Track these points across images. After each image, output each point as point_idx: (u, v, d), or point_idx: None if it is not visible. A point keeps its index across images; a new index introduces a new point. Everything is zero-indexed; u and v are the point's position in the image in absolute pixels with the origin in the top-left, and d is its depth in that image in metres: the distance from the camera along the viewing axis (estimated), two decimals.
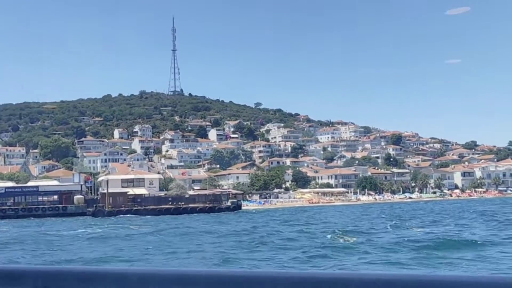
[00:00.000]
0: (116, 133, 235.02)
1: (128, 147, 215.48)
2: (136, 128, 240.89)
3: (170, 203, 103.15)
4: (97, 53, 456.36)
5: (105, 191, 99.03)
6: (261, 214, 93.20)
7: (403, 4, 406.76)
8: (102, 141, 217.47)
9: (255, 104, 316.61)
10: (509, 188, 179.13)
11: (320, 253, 30.27)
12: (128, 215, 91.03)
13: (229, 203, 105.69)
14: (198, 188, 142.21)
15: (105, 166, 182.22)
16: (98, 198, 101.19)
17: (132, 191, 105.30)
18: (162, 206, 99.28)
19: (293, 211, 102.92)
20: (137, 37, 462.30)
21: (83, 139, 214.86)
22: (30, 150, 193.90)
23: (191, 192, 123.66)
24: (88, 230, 57.04)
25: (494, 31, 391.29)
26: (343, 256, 29.13)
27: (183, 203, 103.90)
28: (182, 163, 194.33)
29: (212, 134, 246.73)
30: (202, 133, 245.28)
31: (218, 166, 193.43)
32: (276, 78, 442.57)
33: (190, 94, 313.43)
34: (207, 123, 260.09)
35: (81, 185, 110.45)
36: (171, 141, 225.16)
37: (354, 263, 26.15)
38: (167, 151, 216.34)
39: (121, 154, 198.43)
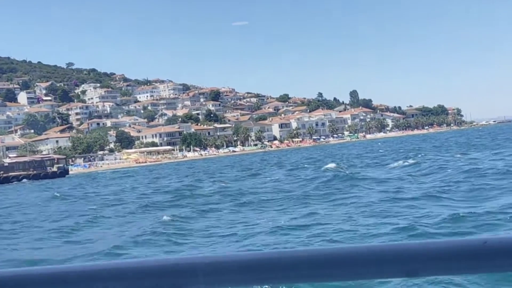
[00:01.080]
0: None
1: None
2: None
3: None
4: None
5: None
6: (92, 178, 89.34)
7: None
8: None
9: (66, 64, 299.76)
10: (322, 137, 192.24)
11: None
12: None
13: (55, 169, 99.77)
14: (15, 155, 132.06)
15: None
16: None
17: None
18: None
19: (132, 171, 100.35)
20: None
21: None
22: None
23: (7, 160, 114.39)
24: None
25: None
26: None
27: (1, 172, 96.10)
28: None
29: (22, 97, 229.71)
30: (11, 97, 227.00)
31: (32, 131, 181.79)
32: (88, 36, 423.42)
33: None
34: (15, 86, 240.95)
35: None
36: None
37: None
38: None
39: None
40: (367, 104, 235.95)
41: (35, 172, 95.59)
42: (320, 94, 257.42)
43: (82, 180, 79.73)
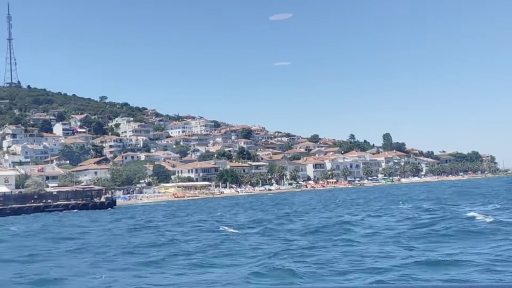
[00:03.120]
0: None
1: None
2: None
3: (37, 201, 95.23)
4: None
5: None
6: (145, 209, 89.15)
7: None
8: None
9: (100, 97, 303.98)
10: (357, 178, 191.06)
11: None
12: None
13: (103, 199, 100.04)
14: (56, 184, 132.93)
15: None
16: None
17: None
18: (31, 204, 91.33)
19: (172, 205, 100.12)
20: None
21: None
22: None
23: (48, 189, 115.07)
24: None
25: (317, 34, 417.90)
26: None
27: (50, 200, 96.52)
28: (28, 159, 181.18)
29: (58, 128, 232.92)
30: (47, 128, 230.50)
31: (67, 162, 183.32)
32: (121, 71, 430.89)
33: (28, 87, 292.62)
34: (51, 117, 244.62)
35: None
36: (13, 136, 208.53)
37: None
38: (9, 146, 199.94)
39: None
40: (400, 147, 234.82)
41: (83, 201, 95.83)
42: (352, 136, 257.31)
43: (139, 211, 79.67)
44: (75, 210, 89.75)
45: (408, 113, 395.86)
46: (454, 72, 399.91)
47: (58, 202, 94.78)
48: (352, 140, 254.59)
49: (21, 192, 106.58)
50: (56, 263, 25.79)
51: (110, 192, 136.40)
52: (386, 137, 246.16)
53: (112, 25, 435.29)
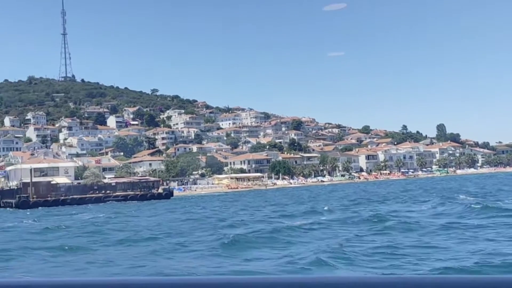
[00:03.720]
0: (7, 121, 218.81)
1: (21, 135, 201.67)
2: (29, 116, 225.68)
3: (96, 191, 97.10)
4: None
5: (28, 180, 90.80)
6: (200, 200, 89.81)
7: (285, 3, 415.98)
8: None
9: (151, 90, 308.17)
10: (410, 170, 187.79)
11: None
12: (59, 206, 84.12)
13: (160, 190, 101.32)
14: (112, 176, 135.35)
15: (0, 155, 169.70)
16: (18, 188, 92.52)
17: (54, 180, 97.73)
18: (92, 195, 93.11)
19: (234, 196, 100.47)
20: (23, 19, 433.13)
21: None
22: None
23: (105, 181, 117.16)
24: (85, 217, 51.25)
25: (371, 24, 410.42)
26: None
27: (109, 191, 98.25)
28: (84, 151, 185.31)
29: (111, 121, 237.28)
30: (101, 120, 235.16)
31: (122, 153, 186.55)
32: (172, 64, 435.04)
33: (82, 80, 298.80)
34: (105, 110, 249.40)
35: None
36: (69, 128, 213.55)
37: None
38: (65, 139, 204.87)
39: (16, 143, 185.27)
40: (454, 138, 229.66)
41: (142, 192, 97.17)
42: (404, 127, 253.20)
43: (205, 201, 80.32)
44: (135, 201, 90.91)
45: (462, 103, 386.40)
46: (509, 61, 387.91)
47: (117, 193, 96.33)
48: (405, 131, 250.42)
49: (79, 183, 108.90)
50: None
51: (165, 183, 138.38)
52: (440, 127, 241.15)
53: (161, 19, 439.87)
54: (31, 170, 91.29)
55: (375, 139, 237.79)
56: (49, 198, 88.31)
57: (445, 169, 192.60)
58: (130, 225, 41.15)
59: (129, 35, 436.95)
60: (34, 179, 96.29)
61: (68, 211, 68.27)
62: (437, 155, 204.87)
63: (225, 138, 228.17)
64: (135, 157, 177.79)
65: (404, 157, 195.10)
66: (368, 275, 14.02)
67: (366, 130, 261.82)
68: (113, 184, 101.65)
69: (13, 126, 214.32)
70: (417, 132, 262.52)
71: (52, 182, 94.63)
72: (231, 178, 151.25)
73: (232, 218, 43.38)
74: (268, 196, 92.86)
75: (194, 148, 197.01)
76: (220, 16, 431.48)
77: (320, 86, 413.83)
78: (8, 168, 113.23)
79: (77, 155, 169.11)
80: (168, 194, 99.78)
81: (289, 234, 29.03)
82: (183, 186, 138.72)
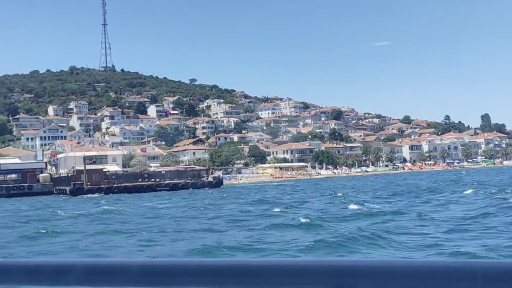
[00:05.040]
0: (51, 110, 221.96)
1: (65, 124, 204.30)
2: (72, 105, 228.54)
3: (145, 179, 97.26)
4: (23, 27, 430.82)
5: (80, 168, 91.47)
6: (251, 189, 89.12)
7: None
8: (38, 118, 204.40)
9: (190, 80, 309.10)
10: (455, 161, 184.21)
11: None
12: (110, 194, 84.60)
13: (210, 179, 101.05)
14: (158, 164, 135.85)
15: (45, 144, 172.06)
16: (71, 175, 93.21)
17: (105, 167, 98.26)
18: (143, 183, 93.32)
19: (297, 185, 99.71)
20: (64, 10, 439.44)
21: (18, 116, 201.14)
22: None
23: (151, 169, 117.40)
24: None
25: (418, 13, 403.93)
26: None
27: (158, 179, 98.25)
28: (127, 140, 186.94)
29: (152, 110, 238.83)
30: (142, 110, 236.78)
31: (163, 142, 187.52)
32: (210, 53, 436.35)
33: (122, 70, 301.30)
34: (145, 100, 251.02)
35: (46, 163, 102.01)
36: (111, 117, 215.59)
37: None
38: (107, 128, 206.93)
39: (61, 132, 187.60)
40: (500, 129, 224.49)
41: (192, 181, 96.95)
42: (447, 117, 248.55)
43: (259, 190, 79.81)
44: (190, 189, 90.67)
45: (507, 94, 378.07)
46: None
47: (168, 181, 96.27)
48: (447, 121, 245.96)
49: (126, 171, 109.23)
50: None
51: (210, 172, 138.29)
52: (485, 118, 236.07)
53: (198, 9, 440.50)
54: (84, 158, 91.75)
55: (417, 129, 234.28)
56: (102, 186, 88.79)
57: (492, 160, 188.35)
58: None
59: (166, 25, 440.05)
60: (83, 167, 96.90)
61: (139, 198, 68.61)
62: (483, 146, 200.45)
63: (264, 127, 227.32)
64: (176, 146, 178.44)
65: (449, 148, 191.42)
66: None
67: (407, 120, 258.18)
68: (163, 172, 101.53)
69: (56, 115, 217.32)
70: (459, 122, 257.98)
71: (104, 170, 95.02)
72: (275, 167, 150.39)
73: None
74: (346, 185, 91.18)
75: (235, 137, 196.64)
76: (257, 7, 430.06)
77: (360, 76, 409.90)
78: (59, 156, 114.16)
79: (121, 143, 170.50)
80: (218, 183, 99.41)
81: None
82: (227, 175, 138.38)
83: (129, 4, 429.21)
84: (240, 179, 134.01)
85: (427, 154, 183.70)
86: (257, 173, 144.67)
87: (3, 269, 1.55)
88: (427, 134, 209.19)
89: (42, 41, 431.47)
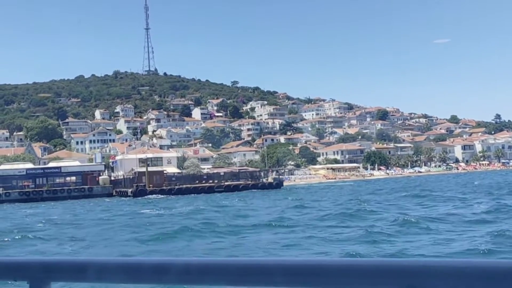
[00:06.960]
0: (98, 114, 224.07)
1: (112, 127, 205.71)
2: (118, 109, 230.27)
3: (202, 181, 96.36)
4: (68, 32, 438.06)
5: (139, 170, 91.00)
6: (310, 190, 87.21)
7: None
8: (86, 121, 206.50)
9: (231, 82, 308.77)
10: (511, 160, 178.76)
11: None
12: (174, 195, 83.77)
13: (271, 180, 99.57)
14: (209, 166, 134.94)
15: (94, 147, 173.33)
16: (132, 177, 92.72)
17: (164, 169, 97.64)
18: (204, 185, 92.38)
19: (349, 187, 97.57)
20: (108, 15, 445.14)
21: (67, 120, 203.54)
22: (15, 132, 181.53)
23: (204, 171, 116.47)
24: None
25: (477, 10, 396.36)
26: None
27: (217, 181, 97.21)
28: (175, 142, 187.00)
29: (196, 113, 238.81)
30: (186, 112, 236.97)
31: (210, 144, 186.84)
32: (251, 55, 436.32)
33: (165, 73, 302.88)
34: (189, 102, 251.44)
35: (104, 165, 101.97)
36: (157, 120, 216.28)
37: None
38: (154, 131, 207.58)
39: (110, 135, 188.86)
40: None
41: (252, 182, 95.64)
42: (498, 116, 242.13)
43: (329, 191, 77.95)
44: (254, 190, 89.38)
45: None
46: None
47: (228, 183, 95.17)
48: (498, 120, 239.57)
49: (180, 173, 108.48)
50: None
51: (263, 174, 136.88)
52: None
53: (239, 10, 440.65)
54: (146, 160, 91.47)
55: (466, 128, 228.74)
56: (164, 187, 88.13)
57: None
58: None
59: (207, 28, 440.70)
60: (141, 169, 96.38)
61: (214, 199, 67.50)
62: None
63: (309, 129, 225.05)
64: (224, 148, 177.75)
65: (503, 147, 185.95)
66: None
67: (454, 119, 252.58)
68: (222, 173, 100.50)
69: (103, 118, 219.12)
70: (509, 121, 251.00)
71: (164, 172, 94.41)
72: (327, 168, 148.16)
73: None
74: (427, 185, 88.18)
75: (282, 139, 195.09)
76: (300, 7, 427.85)
77: (406, 76, 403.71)
78: (117, 158, 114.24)
79: (171, 146, 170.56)
80: (279, 184, 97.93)
81: None
82: (280, 176, 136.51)
83: (170, 8, 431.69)
84: (294, 180, 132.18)
85: (480, 154, 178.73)
86: (309, 174, 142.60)
87: (103, 267, 1.61)
88: (479, 134, 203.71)
89: (86, 46, 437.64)
